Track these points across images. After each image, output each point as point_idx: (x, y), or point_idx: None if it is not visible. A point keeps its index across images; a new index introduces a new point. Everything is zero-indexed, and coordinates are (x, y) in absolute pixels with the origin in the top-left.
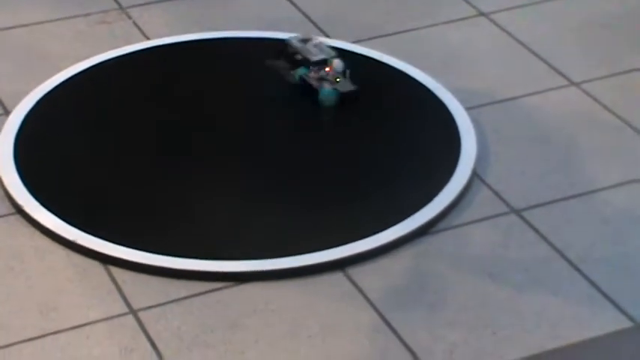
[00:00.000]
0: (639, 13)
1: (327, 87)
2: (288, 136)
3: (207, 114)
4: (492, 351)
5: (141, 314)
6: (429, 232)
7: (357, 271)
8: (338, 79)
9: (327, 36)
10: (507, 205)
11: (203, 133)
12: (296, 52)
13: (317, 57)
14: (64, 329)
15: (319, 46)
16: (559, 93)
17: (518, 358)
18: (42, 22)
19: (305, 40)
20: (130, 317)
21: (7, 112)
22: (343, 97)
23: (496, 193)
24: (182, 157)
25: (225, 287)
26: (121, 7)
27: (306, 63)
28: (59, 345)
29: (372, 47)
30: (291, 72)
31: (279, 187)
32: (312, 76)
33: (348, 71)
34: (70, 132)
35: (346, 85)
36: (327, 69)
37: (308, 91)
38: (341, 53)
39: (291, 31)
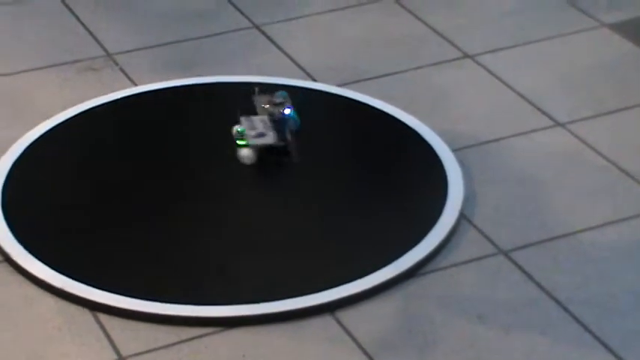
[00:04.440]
0: (624, 55)
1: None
2: (275, 179)
3: (196, 160)
4: None
5: None
6: (417, 274)
7: (345, 315)
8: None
9: (314, 80)
10: (495, 246)
11: (191, 180)
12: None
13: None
14: None
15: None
16: (545, 134)
17: None
18: (30, 70)
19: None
20: None
21: None
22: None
23: (483, 235)
24: (170, 203)
25: (214, 332)
26: (107, 54)
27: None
28: None
29: (358, 90)
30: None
31: (266, 232)
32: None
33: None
34: (57, 179)
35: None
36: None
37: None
38: (327, 97)
39: (278, 75)
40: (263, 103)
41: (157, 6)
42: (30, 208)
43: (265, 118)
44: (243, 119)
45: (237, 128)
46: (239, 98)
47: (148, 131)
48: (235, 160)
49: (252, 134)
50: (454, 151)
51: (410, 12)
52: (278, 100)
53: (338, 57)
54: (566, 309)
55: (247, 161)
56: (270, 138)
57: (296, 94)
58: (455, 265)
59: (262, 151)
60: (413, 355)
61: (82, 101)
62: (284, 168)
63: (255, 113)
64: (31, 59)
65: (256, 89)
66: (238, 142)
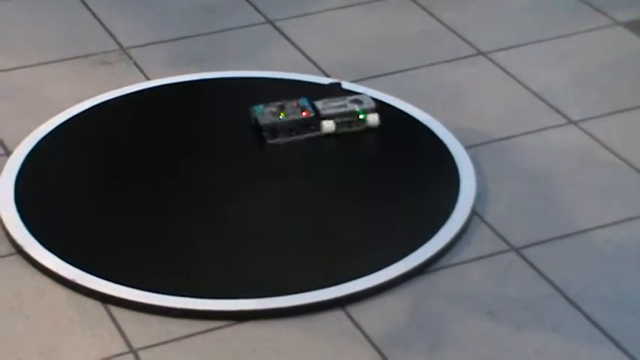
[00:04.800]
0: (638, 53)
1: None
2: (287, 174)
3: (209, 154)
4: None
5: (141, 353)
6: (428, 271)
7: (356, 310)
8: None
9: (327, 75)
10: (506, 242)
11: (204, 174)
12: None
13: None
14: None
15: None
16: (557, 131)
17: None
18: (43, 64)
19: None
20: (131, 357)
21: (8, 153)
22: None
23: (495, 231)
24: (182, 196)
25: (226, 326)
26: (121, 48)
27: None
28: None
29: (371, 86)
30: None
31: (278, 226)
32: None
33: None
34: (70, 172)
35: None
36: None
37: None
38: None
39: (290, 70)
40: (272, 115)
41: (171, 0)
42: (42, 201)
43: (328, 99)
44: (321, 103)
45: (354, 109)
46: (252, 95)
47: (160, 125)
48: (247, 157)
49: (353, 107)
50: (467, 148)
51: (423, 8)
52: (274, 109)
53: (351, 53)
54: (577, 306)
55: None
56: (361, 96)
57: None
58: (466, 261)
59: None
60: (423, 350)
61: (95, 95)
62: (297, 163)
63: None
64: (44, 52)
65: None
66: (360, 118)
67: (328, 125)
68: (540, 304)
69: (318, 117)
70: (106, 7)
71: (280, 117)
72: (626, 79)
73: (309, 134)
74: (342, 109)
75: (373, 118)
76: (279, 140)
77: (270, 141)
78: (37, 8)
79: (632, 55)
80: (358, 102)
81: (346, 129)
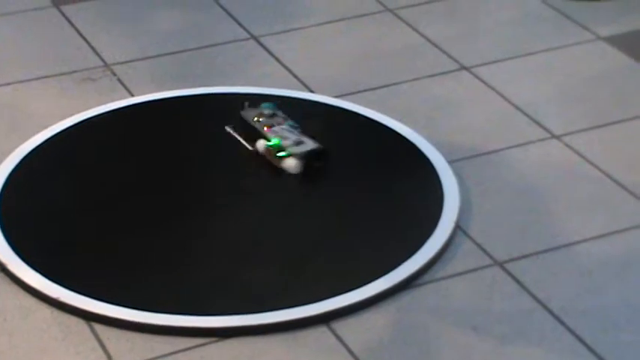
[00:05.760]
0: (619, 68)
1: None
2: (271, 191)
3: (193, 171)
4: None
5: None
6: (412, 286)
7: (341, 325)
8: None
9: (311, 91)
10: (490, 257)
11: (187, 191)
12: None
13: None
14: None
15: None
16: (540, 146)
17: None
18: (27, 81)
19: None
20: None
21: None
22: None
23: (479, 246)
24: (166, 213)
25: (210, 342)
26: (105, 64)
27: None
28: None
29: (355, 101)
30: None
31: (261, 243)
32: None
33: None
34: (54, 190)
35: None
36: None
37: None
38: (324, 108)
39: (274, 86)
40: (253, 117)
41: (156, 17)
42: (26, 219)
43: (286, 126)
44: (269, 132)
45: (269, 143)
46: (231, 111)
47: (145, 142)
48: (232, 172)
49: (288, 144)
50: (450, 162)
51: (407, 24)
52: (267, 112)
53: (335, 68)
54: (561, 321)
55: (295, 171)
56: (310, 143)
57: (294, 106)
58: (450, 276)
59: (304, 159)
60: None
61: (79, 111)
62: (279, 181)
63: (248, 127)
64: (29, 69)
65: (246, 104)
66: (279, 154)
67: (259, 144)
68: (524, 318)
69: (262, 135)
70: (90, 24)
71: (255, 119)
72: (608, 93)
73: (248, 144)
74: (278, 140)
75: (290, 164)
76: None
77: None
78: (21, 25)
79: (614, 69)
80: (299, 143)
81: (267, 156)
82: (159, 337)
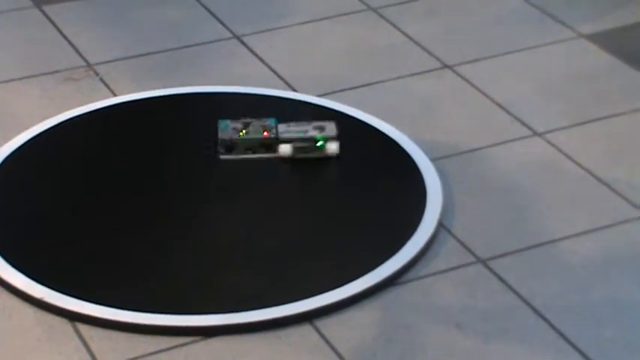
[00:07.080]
0: (601, 65)
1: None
2: (253, 190)
3: (176, 170)
4: None
5: None
6: (396, 283)
7: (325, 323)
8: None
9: (294, 90)
10: (473, 255)
11: (170, 190)
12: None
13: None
14: None
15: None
16: (523, 143)
17: None
18: (9, 81)
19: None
20: None
21: None
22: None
23: (462, 244)
24: (149, 213)
25: (193, 342)
26: (88, 64)
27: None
28: None
29: (338, 100)
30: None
31: (245, 242)
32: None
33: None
34: (36, 190)
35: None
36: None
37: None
38: (307, 107)
39: (257, 85)
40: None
41: (138, 16)
42: (9, 220)
43: (283, 124)
44: (283, 134)
45: (318, 142)
46: (215, 111)
47: (127, 142)
48: (215, 171)
49: (316, 133)
50: (433, 160)
51: (389, 22)
52: (239, 125)
53: (318, 67)
54: (543, 317)
55: (337, 152)
56: (327, 124)
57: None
58: (433, 274)
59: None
60: None
61: (61, 112)
62: (265, 179)
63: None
64: (10, 70)
65: (220, 150)
66: (319, 145)
67: (285, 149)
68: (507, 315)
69: (278, 139)
70: (72, 24)
71: (240, 134)
72: (589, 90)
73: (265, 155)
74: (302, 134)
75: (332, 147)
76: (234, 156)
77: (222, 157)
78: (3, 25)
79: (596, 67)
80: (320, 128)
81: (303, 154)
82: (142, 336)
